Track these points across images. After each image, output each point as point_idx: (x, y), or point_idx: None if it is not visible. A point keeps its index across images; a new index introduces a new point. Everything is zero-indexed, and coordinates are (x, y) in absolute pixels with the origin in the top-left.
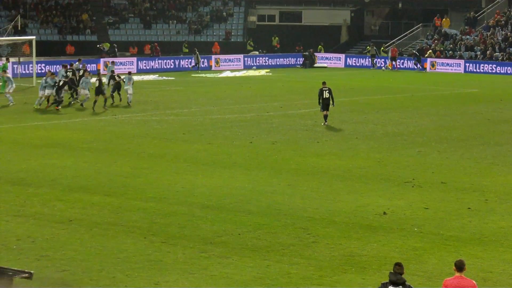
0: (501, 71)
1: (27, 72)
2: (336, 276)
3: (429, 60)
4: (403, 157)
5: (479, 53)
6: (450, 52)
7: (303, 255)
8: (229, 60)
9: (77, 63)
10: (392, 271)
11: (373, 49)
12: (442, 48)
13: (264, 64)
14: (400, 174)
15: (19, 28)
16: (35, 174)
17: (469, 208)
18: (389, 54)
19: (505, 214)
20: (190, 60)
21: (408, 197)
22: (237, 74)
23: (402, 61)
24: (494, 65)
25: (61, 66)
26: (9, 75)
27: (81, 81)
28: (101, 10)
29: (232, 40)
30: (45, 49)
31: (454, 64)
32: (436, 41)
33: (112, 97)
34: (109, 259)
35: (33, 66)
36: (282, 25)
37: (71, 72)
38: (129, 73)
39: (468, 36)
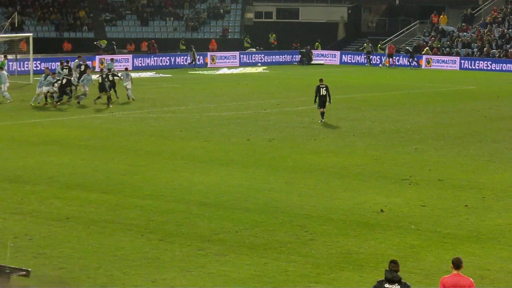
0: (496, 68)
1: (24, 69)
2: (334, 274)
3: (424, 57)
4: (400, 154)
5: (476, 50)
6: (447, 49)
7: (301, 253)
8: (225, 57)
9: (76, 60)
10: (387, 269)
11: (369, 46)
12: (439, 45)
13: (260, 61)
14: (397, 172)
15: (16, 25)
16: (32, 172)
17: (466, 205)
18: (386, 51)
19: (502, 211)
20: (186, 57)
21: (405, 194)
22: (234, 71)
23: (397, 58)
24: (489, 62)
25: (59, 63)
26: (4, 72)
27: (82, 78)
28: (98, 7)
29: (229, 37)
30: (42, 46)
31: (450, 61)
32: (433, 38)
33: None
34: (107, 257)
35: (30, 63)
36: (279, 22)
37: (67, 69)
38: (126, 69)
39: (465, 33)
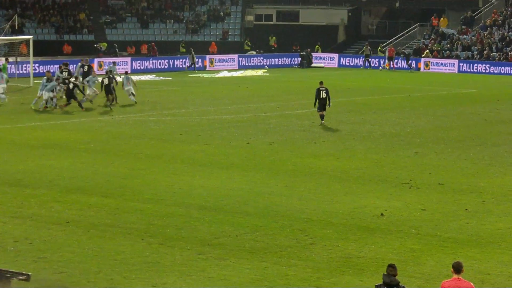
0: (495, 71)
1: (24, 72)
2: (334, 278)
3: (423, 60)
4: (400, 158)
5: (476, 53)
6: (447, 52)
7: (301, 257)
8: (224, 60)
9: (79, 63)
10: (385, 273)
11: (368, 49)
12: (439, 48)
13: (259, 64)
14: (397, 175)
15: (16, 28)
16: (32, 175)
17: (466, 209)
18: (386, 54)
19: (503, 215)
20: (185, 60)
21: (405, 198)
22: (234, 74)
23: (396, 61)
24: (488, 65)
25: (59, 67)
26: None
27: (87, 79)
28: (98, 10)
29: (229, 39)
30: (42, 49)
31: (448, 64)
32: (433, 41)
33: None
34: (107, 261)
35: (30, 66)
36: (279, 24)
37: (66, 72)
38: (126, 72)
39: (465, 36)
